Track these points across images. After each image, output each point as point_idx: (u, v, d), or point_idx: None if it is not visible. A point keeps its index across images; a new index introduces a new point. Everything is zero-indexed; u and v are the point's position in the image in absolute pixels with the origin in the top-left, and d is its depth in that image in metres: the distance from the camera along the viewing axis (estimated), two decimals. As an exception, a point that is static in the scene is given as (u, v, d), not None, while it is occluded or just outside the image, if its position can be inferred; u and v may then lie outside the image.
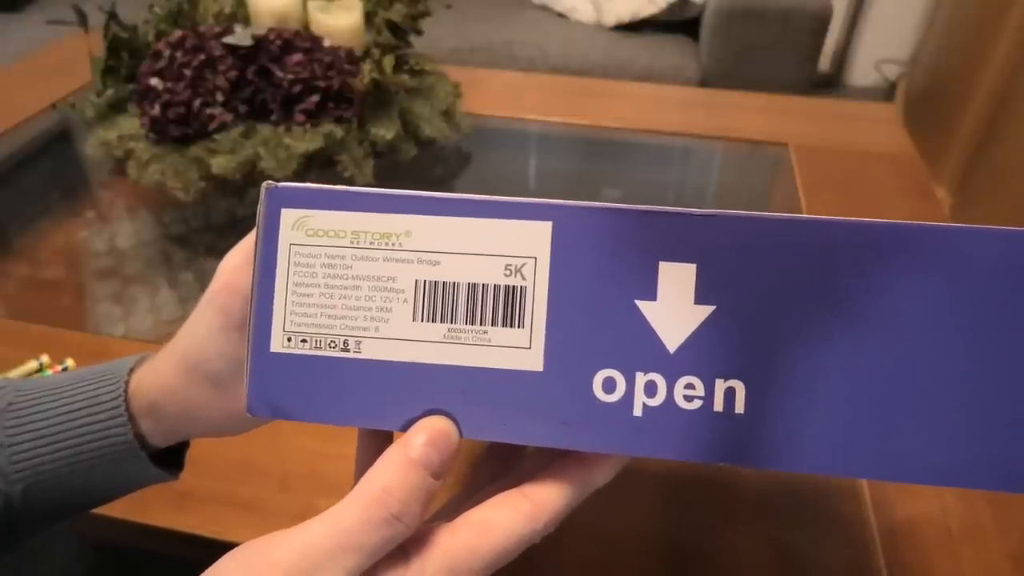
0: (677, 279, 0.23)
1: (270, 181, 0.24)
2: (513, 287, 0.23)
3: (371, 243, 0.24)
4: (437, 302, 0.24)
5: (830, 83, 2.26)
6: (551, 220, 0.23)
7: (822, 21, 1.49)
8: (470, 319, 0.23)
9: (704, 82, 1.55)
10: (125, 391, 0.30)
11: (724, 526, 0.45)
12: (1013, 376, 0.22)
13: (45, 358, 0.55)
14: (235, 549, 0.23)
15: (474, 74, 0.97)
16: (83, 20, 0.73)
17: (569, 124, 0.93)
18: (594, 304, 0.23)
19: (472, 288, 0.23)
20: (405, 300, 0.24)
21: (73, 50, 0.97)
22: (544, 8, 1.74)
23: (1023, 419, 0.22)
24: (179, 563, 0.44)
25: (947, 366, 0.22)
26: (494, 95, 0.96)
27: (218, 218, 0.75)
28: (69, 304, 0.67)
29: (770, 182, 0.90)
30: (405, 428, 0.24)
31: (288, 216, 0.24)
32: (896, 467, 0.22)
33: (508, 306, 0.23)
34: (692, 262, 0.23)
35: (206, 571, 0.22)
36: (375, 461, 0.23)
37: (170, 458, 0.33)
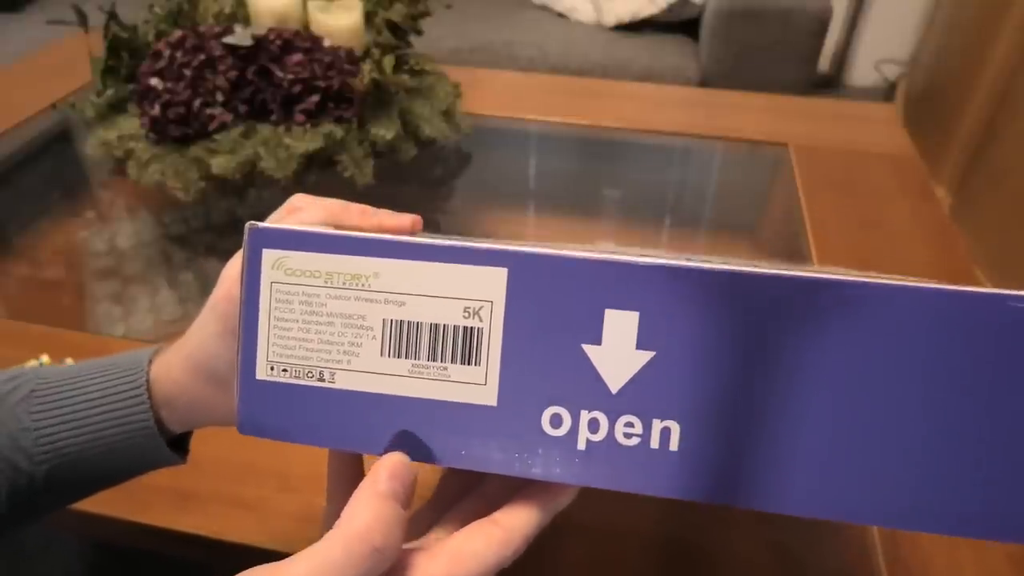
0: (621, 325, 0.24)
1: (253, 221, 0.26)
2: (471, 328, 0.25)
3: (343, 283, 0.26)
4: (403, 339, 0.26)
5: (830, 83, 2.26)
6: (507, 267, 0.25)
7: (822, 21, 1.49)
8: (432, 356, 0.25)
9: (704, 82, 1.54)
10: (147, 381, 0.32)
11: (724, 527, 0.45)
12: (929, 420, 0.23)
13: (45, 358, 0.55)
14: None
15: (474, 74, 0.97)
16: (83, 20, 0.73)
17: (569, 124, 0.93)
18: (545, 346, 0.25)
19: (434, 328, 0.25)
20: (374, 336, 0.26)
21: (73, 50, 0.97)
22: (544, 8, 1.74)
23: (966, 464, 0.23)
24: (180, 563, 0.44)
25: (873, 413, 0.24)
26: (494, 95, 0.96)
27: (218, 218, 0.75)
28: (69, 304, 0.67)
29: (770, 182, 0.90)
30: (373, 452, 0.26)
31: (268, 256, 0.26)
32: (825, 504, 0.24)
33: (466, 345, 0.25)
34: (635, 310, 0.24)
35: None
36: (341, 483, 0.27)
37: (179, 445, 0.35)
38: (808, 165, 0.83)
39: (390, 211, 0.32)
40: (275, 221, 0.31)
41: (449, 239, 0.26)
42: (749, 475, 0.24)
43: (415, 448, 0.26)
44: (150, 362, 0.33)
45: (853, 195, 0.79)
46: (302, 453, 0.48)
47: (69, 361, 0.54)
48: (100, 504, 0.43)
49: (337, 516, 0.24)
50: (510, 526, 0.25)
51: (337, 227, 0.30)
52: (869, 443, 0.24)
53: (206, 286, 0.66)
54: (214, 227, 0.74)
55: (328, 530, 0.23)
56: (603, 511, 0.45)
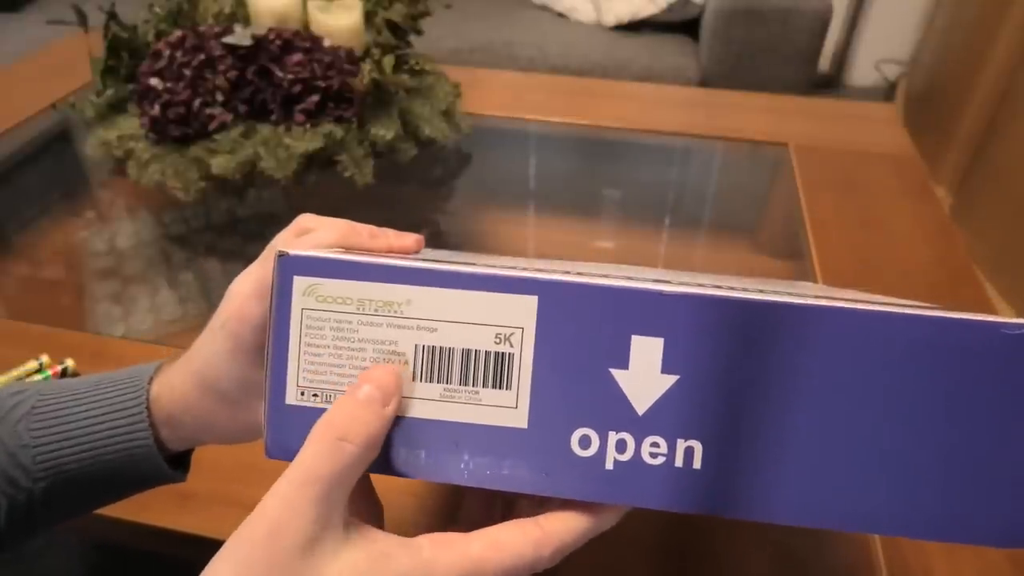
0: (647, 351, 0.26)
1: (283, 249, 0.27)
2: (502, 354, 0.26)
3: (375, 310, 0.26)
4: (435, 365, 0.26)
5: (830, 83, 2.26)
6: (537, 294, 0.26)
7: (822, 21, 1.49)
8: (464, 380, 0.26)
9: (704, 82, 1.54)
10: (147, 399, 0.32)
11: (725, 527, 0.45)
12: (930, 435, 0.25)
13: (45, 358, 0.55)
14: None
15: (474, 74, 0.97)
16: (83, 20, 0.73)
17: (569, 124, 0.93)
18: (574, 370, 0.26)
19: (466, 353, 0.26)
20: (406, 362, 0.26)
21: (73, 50, 0.97)
22: (544, 8, 1.74)
23: (954, 478, 0.25)
24: (180, 563, 0.44)
25: (882, 432, 0.25)
26: (494, 95, 0.96)
27: (218, 218, 0.75)
28: (69, 304, 0.67)
29: (770, 182, 0.90)
30: (405, 475, 0.27)
31: (300, 283, 0.27)
32: (845, 518, 0.26)
33: (498, 370, 0.26)
34: (660, 336, 0.26)
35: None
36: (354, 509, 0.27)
37: (179, 461, 0.35)
38: (808, 165, 0.83)
39: (397, 232, 0.33)
40: (284, 241, 0.31)
41: (479, 265, 0.27)
42: (762, 490, 0.26)
43: (447, 471, 0.27)
44: (151, 379, 0.33)
45: (853, 195, 0.79)
46: (302, 453, 0.48)
47: (69, 361, 0.54)
48: (100, 504, 0.43)
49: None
50: (549, 529, 0.26)
51: (347, 248, 0.31)
52: (875, 458, 0.25)
53: (206, 286, 0.66)
54: (214, 227, 0.74)
55: None
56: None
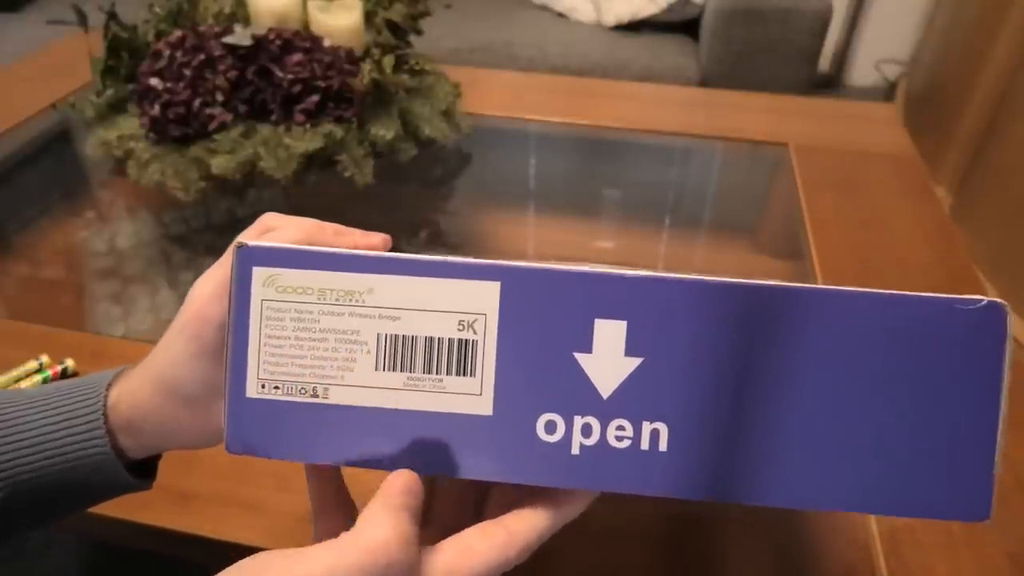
0: (610, 334, 0.26)
1: (241, 240, 0.27)
2: (465, 340, 0.26)
3: (336, 299, 0.26)
4: (397, 353, 0.26)
5: (830, 83, 2.26)
6: (499, 280, 0.26)
7: (822, 21, 1.49)
8: (427, 369, 0.26)
9: (704, 82, 1.54)
10: (104, 406, 0.31)
11: (724, 526, 0.45)
12: (893, 413, 0.25)
13: (45, 358, 0.55)
14: (251, 557, 0.24)
15: (474, 74, 0.97)
16: (83, 20, 0.73)
17: (569, 124, 0.93)
18: (537, 355, 0.26)
19: (429, 341, 0.26)
20: (368, 351, 0.26)
21: (73, 50, 0.97)
22: (544, 8, 1.74)
23: (921, 453, 0.26)
24: (179, 563, 0.44)
25: (848, 410, 0.26)
26: (494, 95, 0.96)
27: (218, 218, 0.75)
28: (69, 304, 0.67)
29: (770, 182, 0.90)
30: (370, 466, 0.27)
31: (259, 274, 0.26)
32: (814, 497, 0.26)
33: (461, 357, 0.26)
34: (623, 319, 0.26)
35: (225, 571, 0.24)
36: (326, 504, 0.28)
37: (144, 469, 0.34)
38: (808, 165, 0.83)
39: (364, 231, 0.32)
40: (248, 239, 0.31)
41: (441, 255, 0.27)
42: (733, 472, 0.26)
43: (413, 460, 0.26)
44: (109, 385, 0.32)
45: (853, 195, 0.79)
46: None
47: (69, 361, 0.54)
48: (99, 504, 0.43)
49: (326, 535, 0.25)
50: (514, 530, 0.26)
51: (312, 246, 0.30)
52: (839, 437, 0.26)
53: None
54: (214, 227, 0.74)
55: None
56: (602, 513, 0.45)
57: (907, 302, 0.25)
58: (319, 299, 0.26)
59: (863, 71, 2.25)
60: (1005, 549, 0.45)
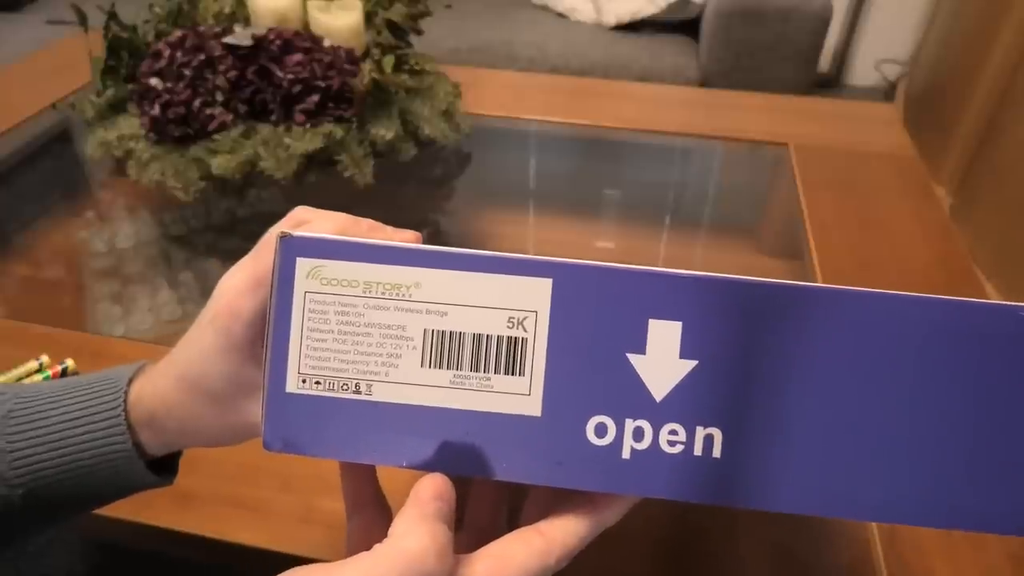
0: (664, 335, 0.25)
1: (285, 230, 0.26)
2: (515, 338, 0.25)
3: (382, 293, 0.25)
4: (444, 350, 0.25)
5: (830, 83, 2.26)
6: (551, 277, 0.25)
7: (822, 21, 1.49)
8: (475, 367, 0.25)
9: (704, 82, 1.54)
10: (125, 401, 0.31)
11: (725, 526, 0.45)
12: (948, 425, 0.25)
13: (45, 358, 0.55)
14: (285, 573, 0.23)
15: (474, 74, 0.97)
16: (83, 20, 0.73)
17: (569, 124, 0.93)
18: (589, 355, 0.25)
19: (477, 338, 0.25)
20: (414, 347, 0.25)
21: (73, 50, 0.97)
22: (544, 8, 1.74)
23: (973, 463, 0.25)
24: (181, 563, 0.44)
25: (900, 417, 0.25)
26: (494, 95, 0.96)
27: (218, 218, 0.75)
28: (69, 304, 0.67)
29: (770, 182, 0.90)
30: (411, 467, 0.26)
31: (303, 265, 0.26)
32: (864, 507, 0.25)
33: (510, 356, 0.25)
34: (678, 320, 0.25)
35: None
36: (360, 501, 0.28)
37: (165, 465, 0.33)
38: (808, 165, 0.83)
39: (395, 228, 0.32)
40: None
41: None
42: (783, 479, 0.25)
43: (457, 460, 0.26)
44: (131, 380, 0.31)
45: (853, 195, 0.79)
46: (302, 453, 0.48)
47: (69, 361, 0.54)
48: (100, 504, 0.43)
49: (362, 533, 0.24)
50: (552, 536, 0.25)
51: None
52: (886, 445, 0.25)
53: (206, 286, 0.66)
54: (214, 227, 0.74)
55: (353, 546, 0.23)
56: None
57: (970, 309, 0.24)
58: (364, 292, 0.25)
59: (863, 71, 2.25)
60: (1005, 549, 0.45)
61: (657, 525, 0.45)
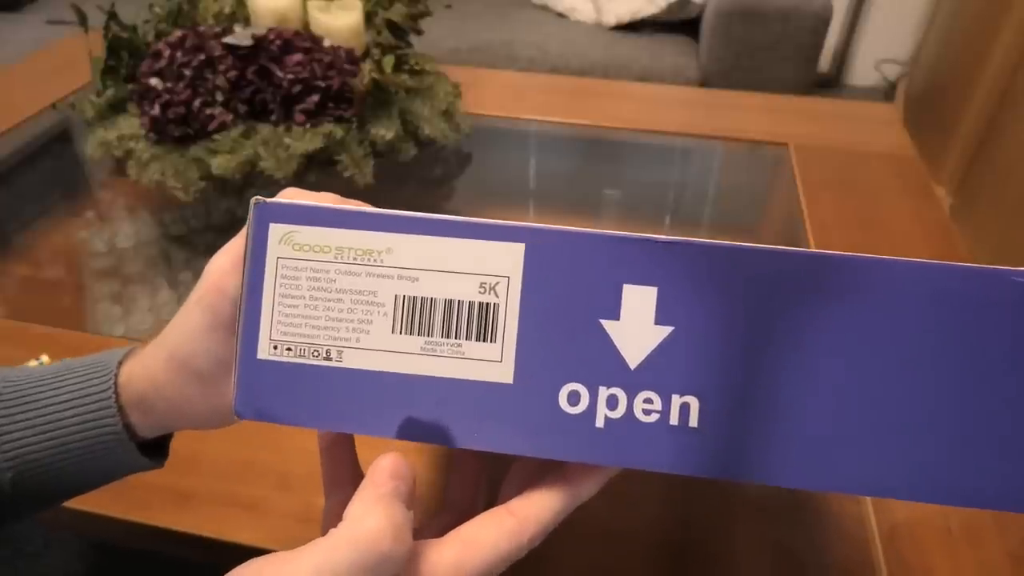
0: (639, 301, 0.24)
1: (259, 196, 0.25)
2: (487, 304, 0.25)
3: (354, 259, 0.25)
4: (415, 316, 0.25)
5: (830, 83, 2.26)
6: (524, 242, 0.25)
7: (822, 21, 1.49)
8: (446, 333, 0.25)
9: (704, 82, 1.54)
10: (115, 383, 0.31)
11: (724, 526, 0.45)
12: (931, 392, 0.24)
13: (45, 358, 0.55)
14: (243, 564, 0.23)
15: (474, 74, 0.97)
16: (83, 20, 0.73)
17: (569, 124, 0.93)
18: (562, 322, 0.25)
19: (448, 304, 0.25)
20: (385, 313, 0.25)
21: (73, 50, 0.97)
22: (544, 8, 1.74)
23: (970, 436, 0.24)
24: (179, 563, 0.44)
25: (877, 385, 0.24)
26: (494, 95, 0.96)
27: (218, 218, 0.75)
28: (69, 304, 0.67)
29: (770, 182, 0.90)
30: (381, 435, 0.25)
31: (276, 231, 0.25)
32: (854, 480, 0.24)
33: (482, 322, 0.25)
34: (654, 285, 0.24)
35: None
36: (338, 477, 0.28)
37: (156, 448, 0.33)
38: (808, 165, 0.83)
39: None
40: None
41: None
42: (761, 450, 0.24)
43: (428, 429, 0.25)
44: (120, 363, 0.31)
45: (853, 195, 0.79)
46: (301, 452, 0.48)
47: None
48: (99, 504, 0.43)
49: (338, 510, 0.23)
50: (524, 515, 0.25)
51: None
52: (873, 416, 0.24)
53: (206, 286, 0.65)
54: (214, 227, 0.74)
55: (329, 527, 0.23)
56: (601, 512, 0.45)
57: (957, 273, 0.23)
58: (336, 258, 0.25)
59: (863, 71, 2.25)
60: (1005, 548, 0.45)
61: (654, 524, 0.45)
